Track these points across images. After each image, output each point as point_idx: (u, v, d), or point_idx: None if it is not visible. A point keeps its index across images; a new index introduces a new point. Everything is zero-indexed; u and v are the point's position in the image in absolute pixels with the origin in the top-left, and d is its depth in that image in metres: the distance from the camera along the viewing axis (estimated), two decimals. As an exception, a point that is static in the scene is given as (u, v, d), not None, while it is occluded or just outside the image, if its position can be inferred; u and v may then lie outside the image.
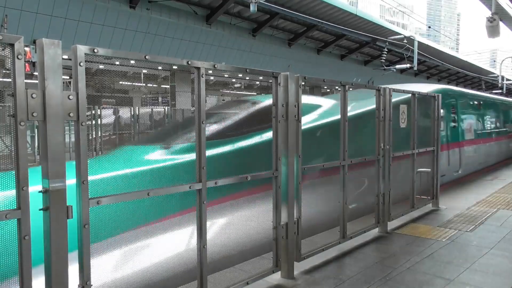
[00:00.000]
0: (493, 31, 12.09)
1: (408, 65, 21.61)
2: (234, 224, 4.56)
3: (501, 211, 8.43)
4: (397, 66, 22.56)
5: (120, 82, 34.96)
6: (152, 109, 23.38)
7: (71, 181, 2.95)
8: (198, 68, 3.82)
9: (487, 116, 15.02)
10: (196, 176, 3.89)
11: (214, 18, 16.27)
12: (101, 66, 6.89)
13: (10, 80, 2.70)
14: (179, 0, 15.21)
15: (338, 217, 5.80)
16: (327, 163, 5.57)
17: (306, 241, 5.22)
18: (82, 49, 2.99)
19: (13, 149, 2.71)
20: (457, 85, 35.98)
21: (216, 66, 3.95)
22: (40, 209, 2.89)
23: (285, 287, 4.76)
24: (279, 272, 4.89)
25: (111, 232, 3.60)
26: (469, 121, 12.88)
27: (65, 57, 2.95)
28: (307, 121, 6.13)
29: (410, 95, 7.70)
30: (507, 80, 35.36)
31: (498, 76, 34.30)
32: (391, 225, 7.20)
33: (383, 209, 6.81)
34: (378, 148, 6.69)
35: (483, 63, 33.77)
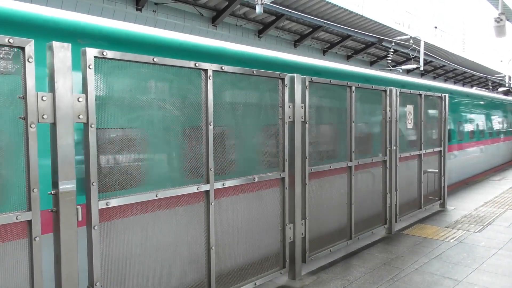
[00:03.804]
0: (500, 31, 12.05)
1: (414, 66, 21.51)
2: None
3: (509, 212, 8.39)
4: (403, 67, 22.43)
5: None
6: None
7: None
8: (206, 70, 3.84)
9: None
10: (204, 177, 3.91)
11: (220, 20, 16.29)
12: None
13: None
14: (185, 2, 15.25)
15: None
16: (334, 164, 5.57)
17: (314, 241, 5.22)
18: (91, 52, 3.01)
19: (23, 152, 2.74)
20: (464, 85, 35.76)
21: (223, 68, 3.97)
22: (50, 211, 2.92)
23: (293, 288, 4.77)
24: (287, 273, 4.90)
25: None
26: None
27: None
28: None
29: None
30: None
31: (505, 76, 34.05)
32: (398, 225, 7.19)
33: (390, 209, 6.80)
34: (385, 149, 6.68)
35: (490, 61, 33.49)
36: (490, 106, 18.23)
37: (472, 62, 30.68)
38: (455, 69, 31.27)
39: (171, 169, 3.89)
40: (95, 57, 3.03)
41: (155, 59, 3.40)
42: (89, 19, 4.63)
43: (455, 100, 13.96)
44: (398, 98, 6.85)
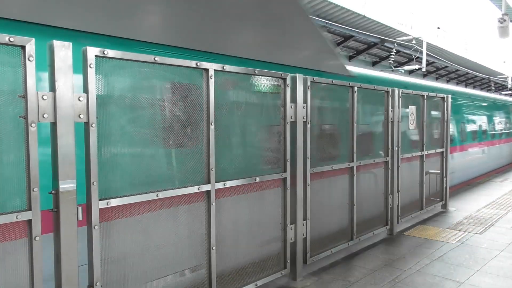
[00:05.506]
0: (503, 31, 12.02)
1: (416, 66, 21.47)
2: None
3: (512, 213, 8.36)
4: (405, 67, 22.42)
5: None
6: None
7: None
8: (207, 70, 3.82)
9: None
10: (205, 177, 3.90)
11: (222, 20, 16.28)
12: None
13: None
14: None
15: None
16: (336, 165, 5.55)
17: (315, 242, 5.21)
18: (92, 51, 3.00)
19: (23, 151, 2.73)
20: (466, 86, 35.66)
21: (224, 67, 3.96)
22: (50, 210, 2.91)
23: (294, 288, 4.75)
24: (288, 274, 4.88)
25: None
26: None
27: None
28: None
29: None
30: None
31: (507, 77, 33.96)
32: (400, 226, 7.16)
33: (391, 210, 6.78)
34: (387, 150, 6.66)
35: (492, 63, 33.43)
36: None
37: (475, 63, 30.59)
38: (458, 70, 31.19)
39: (172, 169, 3.87)
40: (96, 56, 3.02)
41: (156, 59, 3.39)
42: None
43: None
44: (400, 99, 6.82)
